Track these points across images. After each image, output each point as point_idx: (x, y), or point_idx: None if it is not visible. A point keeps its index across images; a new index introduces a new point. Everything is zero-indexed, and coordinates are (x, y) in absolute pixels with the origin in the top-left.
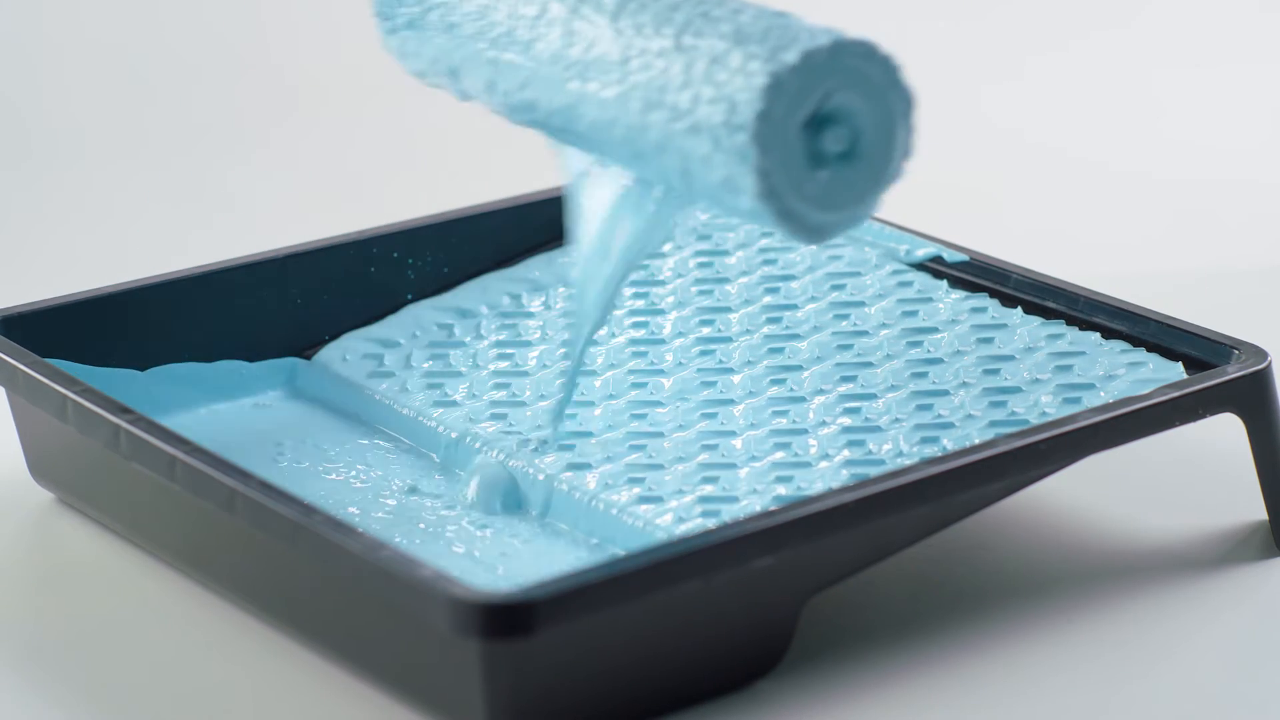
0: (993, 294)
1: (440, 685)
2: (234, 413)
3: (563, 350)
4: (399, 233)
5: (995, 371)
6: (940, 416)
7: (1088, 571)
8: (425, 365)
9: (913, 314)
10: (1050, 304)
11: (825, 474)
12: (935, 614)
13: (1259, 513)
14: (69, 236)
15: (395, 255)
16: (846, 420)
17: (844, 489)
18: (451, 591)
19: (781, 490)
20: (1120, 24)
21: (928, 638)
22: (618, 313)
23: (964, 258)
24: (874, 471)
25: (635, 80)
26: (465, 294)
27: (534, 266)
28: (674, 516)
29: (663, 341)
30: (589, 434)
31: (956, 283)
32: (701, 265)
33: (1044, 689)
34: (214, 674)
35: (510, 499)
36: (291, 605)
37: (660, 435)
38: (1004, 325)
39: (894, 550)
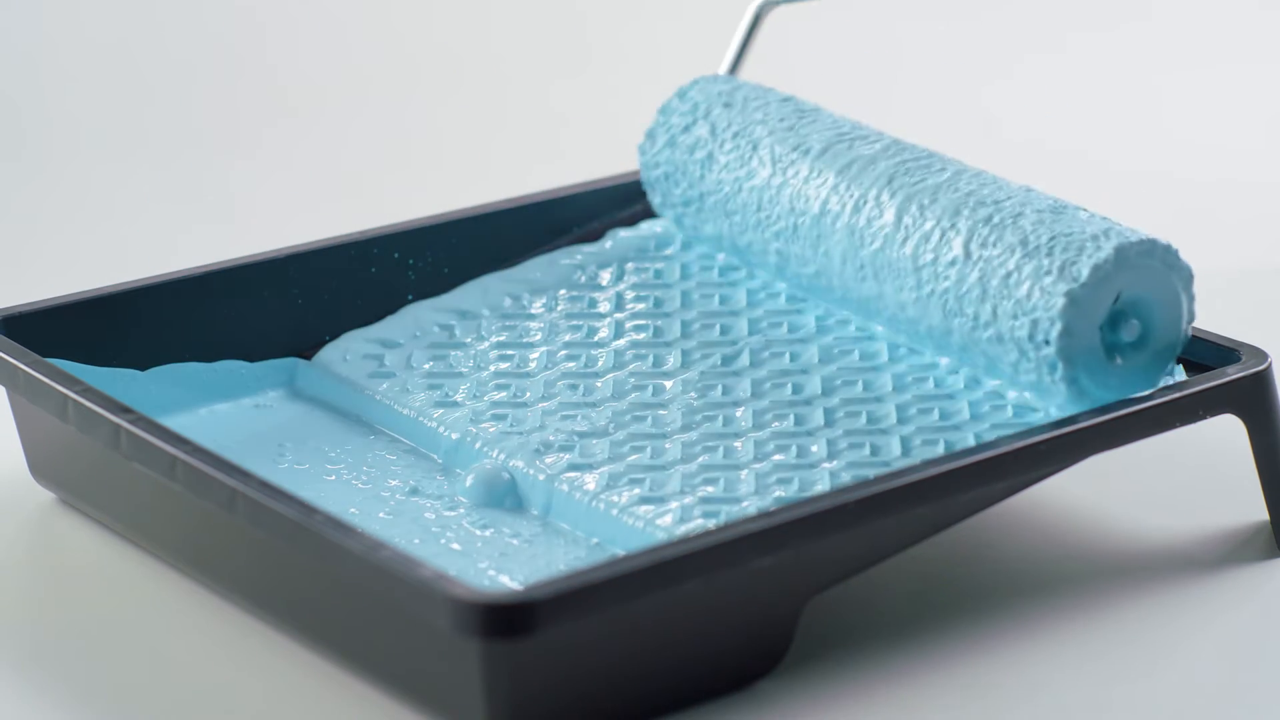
0: None
1: (440, 685)
2: (234, 413)
3: (564, 352)
4: (399, 233)
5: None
6: (948, 419)
7: (1088, 572)
8: (426, 366)
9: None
10: None
11: (827, 475)
12: (936, 614)
13: (1260, 514)
14: (69, 236)
15: (395, 255)
16: (850, 424)
17: (844, 489)
18: (452, 591)
19: (781, 492)
20: (1120, 24)
21: (928, 638)
22: (620, 315)
23: None
24: (875, 473)
25: (932, 289)
26: (466, 295)
27: (534, 267)
28: (674, 517)
29: (666, 344)
30: (590, 434)
31: None
32: (704, 269)
33: (1045, 689)
34: (214, 674)
35: (508, 497)
36: (292, 605)
37: (662, 436)
38: None
39: (894, 551)
